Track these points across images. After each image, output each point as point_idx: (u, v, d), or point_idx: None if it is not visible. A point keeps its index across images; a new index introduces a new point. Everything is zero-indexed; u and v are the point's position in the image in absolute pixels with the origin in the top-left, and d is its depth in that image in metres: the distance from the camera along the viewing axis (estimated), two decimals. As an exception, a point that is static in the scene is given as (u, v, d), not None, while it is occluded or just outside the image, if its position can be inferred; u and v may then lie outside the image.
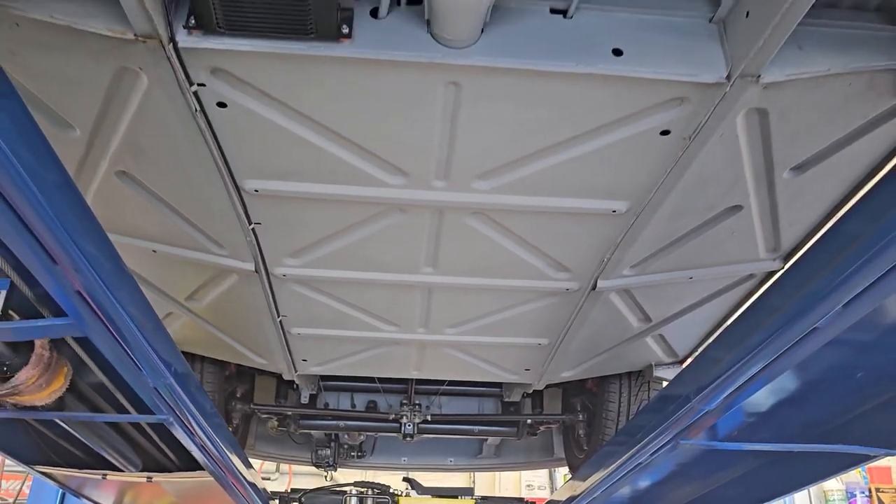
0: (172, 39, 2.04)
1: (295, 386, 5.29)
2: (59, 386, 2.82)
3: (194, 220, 3.00)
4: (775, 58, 2.09)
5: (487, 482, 12.49)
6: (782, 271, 3.35)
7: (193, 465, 3.92)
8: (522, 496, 7.84)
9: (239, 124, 2.37)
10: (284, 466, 12.60)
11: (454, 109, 2.29)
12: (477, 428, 5.68)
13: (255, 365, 4.56)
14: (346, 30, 2.06)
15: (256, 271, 3.28)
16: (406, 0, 2.14)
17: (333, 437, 6.15)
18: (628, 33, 2.17)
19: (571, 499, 4.58)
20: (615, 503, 4.60)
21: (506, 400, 5.60)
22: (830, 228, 2.35)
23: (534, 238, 3.03)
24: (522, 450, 6.56)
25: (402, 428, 5.39)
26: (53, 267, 2.00)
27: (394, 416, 5.43)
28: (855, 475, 12.26)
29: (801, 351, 2.41)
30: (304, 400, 5.46)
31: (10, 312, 2.34)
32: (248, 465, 4.47)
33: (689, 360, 4.43)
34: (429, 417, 5.42)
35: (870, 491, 12.20)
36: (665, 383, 4.46)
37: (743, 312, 3.01)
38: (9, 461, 4.35)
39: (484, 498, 6.00)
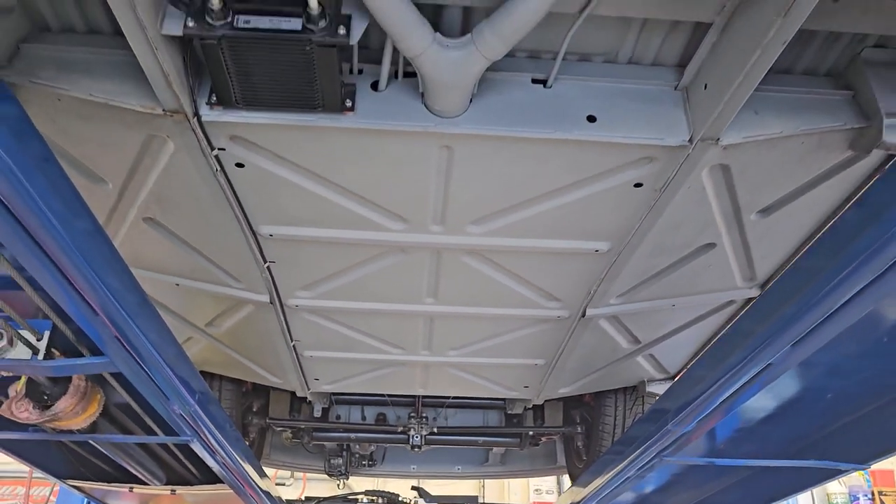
0: (196, 114, 2.31)
1: (308, 400, 5.57)
2: (93, 412, 3.11)
3: (214, 258, 3.28)
4: (733, 122, 2.34)
5: (497, 487, 12.75)
6: (754, 301, 3.59)
7: (214, 479, 4.22)
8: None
9: (255, 180, 2.65)
10: (299, 473, 12.89)
11: (447, 168, 2.56)
12: (481, 439, 5.95)
13: (270, 384, 4.85)
14: (349, 103, 2.33)
15: (271, 302, 3.56)
16: (403, 73, 2.41)
17: (345, 447, 6.43)
18: (602, 101, 2.43)
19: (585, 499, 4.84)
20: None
21: (509, 412, 5.87)
22: (796, 261, 2.58)
23: (525, 273, 3.29)
24: (527, 458, 6.81)
25: (410, 439, 5.68)
26: (94, 317, 2.29)
27: (402, 428, 5.71)
28: (858, 478, 12.42)
29: (771, 374, 2.65)
30: (317, 413, 5.74)
31: (53, 350, 2.63)
32: (263, 475, 4.75)
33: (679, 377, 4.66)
34: (435, 430, 5.70)
35: (873, 494, 12.34)
36: (658, 398, 4.70)
37: (720, 338, 3.25)
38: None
39: (489, 505, 6.25)
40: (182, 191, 2.78)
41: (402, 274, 3.30)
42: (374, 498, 6.19)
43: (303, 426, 5.76)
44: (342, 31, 2.04)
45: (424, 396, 5.67)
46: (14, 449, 3.58)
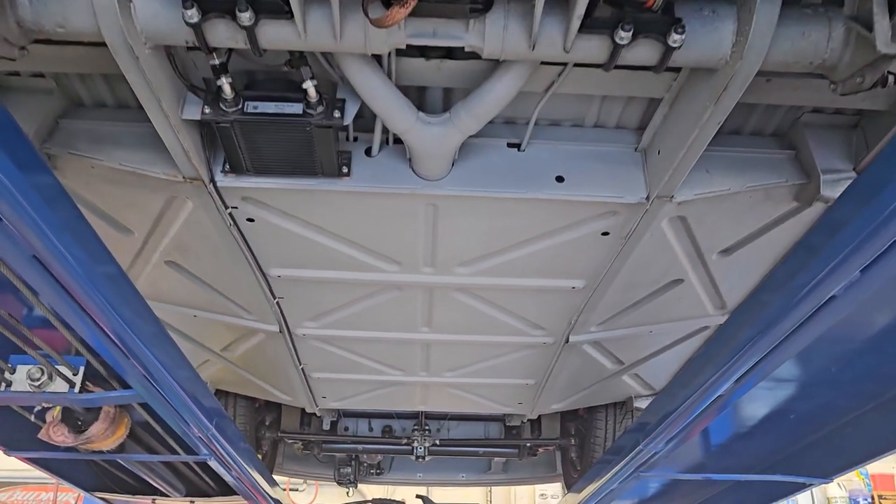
0: (212, 180, 2.65)
1: (317, 415, 5.92)
2: (121, 434, 3.46)
3: (228, 295, 3.62)
4: (686, 181, 2.65)
5: (503, 492, 13.08)
6: (718, 327, 3.88)
7: (229, 491, 4.55)
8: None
9: (264, 232, 2.98)
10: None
11: (434, 221, 2.88)
12: (482, 450, 6.28)
13: (281, 401, 5.20)
14: (345, 169, 2.66)
15: (280, 332, 3.90)
16: (393, 139, 2.73)
17: (354, 456, 6.78)
18: (570, 162, 2.74)
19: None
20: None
21: (508, 424, 6.20)
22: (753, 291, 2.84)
23: (510, 306, 3.61)
24: (528, 466, 7.12)
25: (414, 451, 6.02)
26: (123, 357, 2.62)
27: (406, 440, 6.04)
28: (858, 483, 12.63)
29: (727, 401, 2.94)
30: (326, 426, 6.10)
31: (87, 383, 2.98)
32: (274, 485, 5.08)
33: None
34: (438, 441, 6.03)
35: (872, 498, 12.54)
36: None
37: (683, 368, 3.56)
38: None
39: (489, 512, 6.57)
40: (200, 240, 3.11)
41: (398, 307, 3.63)
42: (381, 505, 6.53)
43: (313, 439, 6.10)
44: (337, 114, 2.37)
45: (427, 411, 6.00)
46: (50, 467, 3.94)
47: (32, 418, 3.15)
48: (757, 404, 3.47)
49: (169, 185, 2.71)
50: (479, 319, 3.73)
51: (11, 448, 3.58)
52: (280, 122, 2.37)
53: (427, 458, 6.04)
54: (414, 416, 6.17)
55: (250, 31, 2.00)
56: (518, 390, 4.82)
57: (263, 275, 3.32)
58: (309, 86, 2.27)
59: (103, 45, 2.06)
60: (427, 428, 6.07)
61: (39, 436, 3.25)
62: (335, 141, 2.51)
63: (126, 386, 2.95)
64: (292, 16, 1.97)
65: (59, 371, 2.90)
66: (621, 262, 3.16)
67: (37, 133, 2.60)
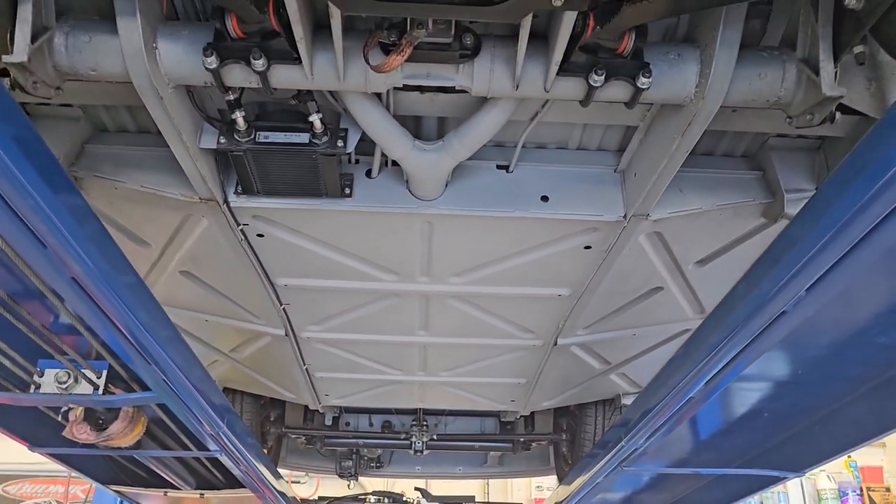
0: (226, 201, 2.89)
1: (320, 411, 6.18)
2: (138, 432, 3.70)
3: (238, 301, 3.86)
4: (660, 200, 2.89)
5: (500, 485, 13.36)
6: (693, 329, 4.12)
7: (237, 484, 4.81)
8: (521, 502, 8.64)
9: (273, 246, 3.22)
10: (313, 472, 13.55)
11: (429, 236, 3.13)
12: (477, 444, 6.54)
13: (286, 399, 5.46)
14: (348, 191, 2.91)
15: (286, 335, 4.15)
16: (392, 161, 2.97)
17: (355, 450, 7.04)
18: (554, 183, 2.98)
19: (559, 503, 5.41)
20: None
21: (503, 420, 6.46)
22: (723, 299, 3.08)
23: (502, 311, 3.86)
24: (522, 460, 7.41)
25: (413, 445, 6.28)
26: (144, 363, 2.87)
27: (405, 435, 6.31)
28: (847, 475, 12.91)
29: (695, 404, 3.19)
30: (328, 422, 6.37)
31: (110, 386, 3.22)
32: (279, 477, 5.33)
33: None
34: (435, 436, 6.29)
35: (861, 490, 12.83)
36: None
37: (666, 364, 3.79)
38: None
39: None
40: (212, 253, 3.35)
41: (397, 313, 3.87)
42: (381, 498, 6.80)
43: (316, 434, 6.37)
44: (340, 143, 2.61)
45: (425, 407, 6.26)
46: (70, 462, 4.19)
47: (60, 418, 3.39)
48: (733, 404, 3.71)
49: (185, 205, 2.95)
50: (473, 324, 3.97)
51: (36, 445, 3.83)
52: (288, 151, 2.61)
53: (425, 453, 6.31)
54: (413, 411, 6.43)
55: (263, 75, 2.23)
56: (511, 388, 5.08)
57: (271, 284, 3.56)
58: (315, 119, 2.52)
59: (129, 82, 2.30)
60: (425, 423, 6.34)
61: (64, 434, 3.49)
62: (338, 165, 2.76)
63: (146, 388, 3.20)
64: (300, 61, 2.21)
65: (84, 374, 3.14)
66: (604, 273, 3.40)
67: (65, 157, 2.84)
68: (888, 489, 12.96)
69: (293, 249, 3.24)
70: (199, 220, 3.09)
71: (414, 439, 6.23)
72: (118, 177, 2.90)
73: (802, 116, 2.35)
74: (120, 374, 3.26)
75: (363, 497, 6.91)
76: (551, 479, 14.43)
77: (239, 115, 2.50)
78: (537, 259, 3.29)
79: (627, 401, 5.28)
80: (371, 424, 6.60)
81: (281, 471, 6.54)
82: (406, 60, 2.16)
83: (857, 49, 2.11)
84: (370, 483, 8.63)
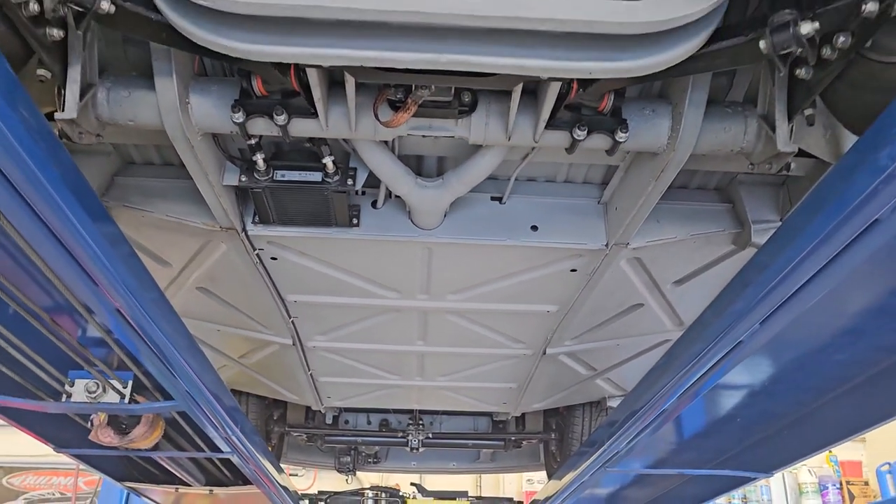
0: (244, 229, 3.18)
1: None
2: (157, 434, 3.99)
3: (249, 314, 4.15)
4: (639, 231, 3.18)
5: (492, 478, 13.73)
6: (672, 340, 4.43)
7: (245, 481, 5.11)
8: (511, 496, 8.97)
9: (285, 268, 3.51)
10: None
11: (429, 261, 3.42)
12: (471, 442, 6.87)
13: (290, 400, 5.76)
14: (355, 221, 3.19)
15: (293, 344, 4.44)
16: (395, 195, 3.26)
17: (353, 447, 7.35)
18: (543, 213, 3.28)
19: (547, 499, 5.74)
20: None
21: (495, 419, 6.79)
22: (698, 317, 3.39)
23: (495, 324, 4.16)
24: (514, 456, 7.72)
25: (409, 443, 6.60)
26: (172, 378, 3.16)
27: (402, 433, 6.62)
28: (828, 469, 13.30)
29: (686, 401, 3.49)
30: (329, 421, 6.69)
31: (134, 394, 3.51)
32: (281, 471, 5.63)
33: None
34: (430, 434, 6.61)
35: (841, 484, 13.21)
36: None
37: (646, 374, 4.10)
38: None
39: (478, 498, 7.19)
40: (228, 273, 3.64)
41: (397, 325, 4.17)
42: (378, 493, 7.12)
43: (317, 432, 6.68)
44: (350, 181, 2.89)
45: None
46: (91, 462, 4.48)
47: (89, 425, 3.68)
48: (708, 409, 4.03)
49: (206, 232, 3.23)
50: (468, 335, 4.28)
51: (61, 446, 4.12)
52: (303, 188, 2.90)
53: (421, 450, 6.63)
54: (409, 411, 6.74)
55: (283, 128, 2.52)
56: (503, 392, 5.39)
57: (282, 300, 3.85)
58: (328, 161, 2.81)
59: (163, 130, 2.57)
60: (421, 422, 6.65)
61: (90, 437, 3.78)
62: (347, 199, 3.05)
63: (167, 396, 3.49)
64: (317, 115, 2.49)
65: (111, 384, 3.43)
66: (588, 292, 3.70)
67: (98, 189, 3.11)
68: (867, 483, 13.34)
69: (304, 271, 3.53)
70: (218, 244, 3.37)
71: (410, 437, 6.55)
72: (145, 206, 3.17)
73: (762, 164, 2.65)
74: (143, 383, 3.54)
75: (361, 492, 7.23)
76: (541, 474, 14.86)
77: (259, 157, 2.78)
78: (527, 280, 3.59)
79: (612, 403, 5.59)
80: (369, 423, 6.92)
81: (282, 465, 6.86)
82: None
83: (808, 112, 2.40)
84: (367, 478, 8.96)
